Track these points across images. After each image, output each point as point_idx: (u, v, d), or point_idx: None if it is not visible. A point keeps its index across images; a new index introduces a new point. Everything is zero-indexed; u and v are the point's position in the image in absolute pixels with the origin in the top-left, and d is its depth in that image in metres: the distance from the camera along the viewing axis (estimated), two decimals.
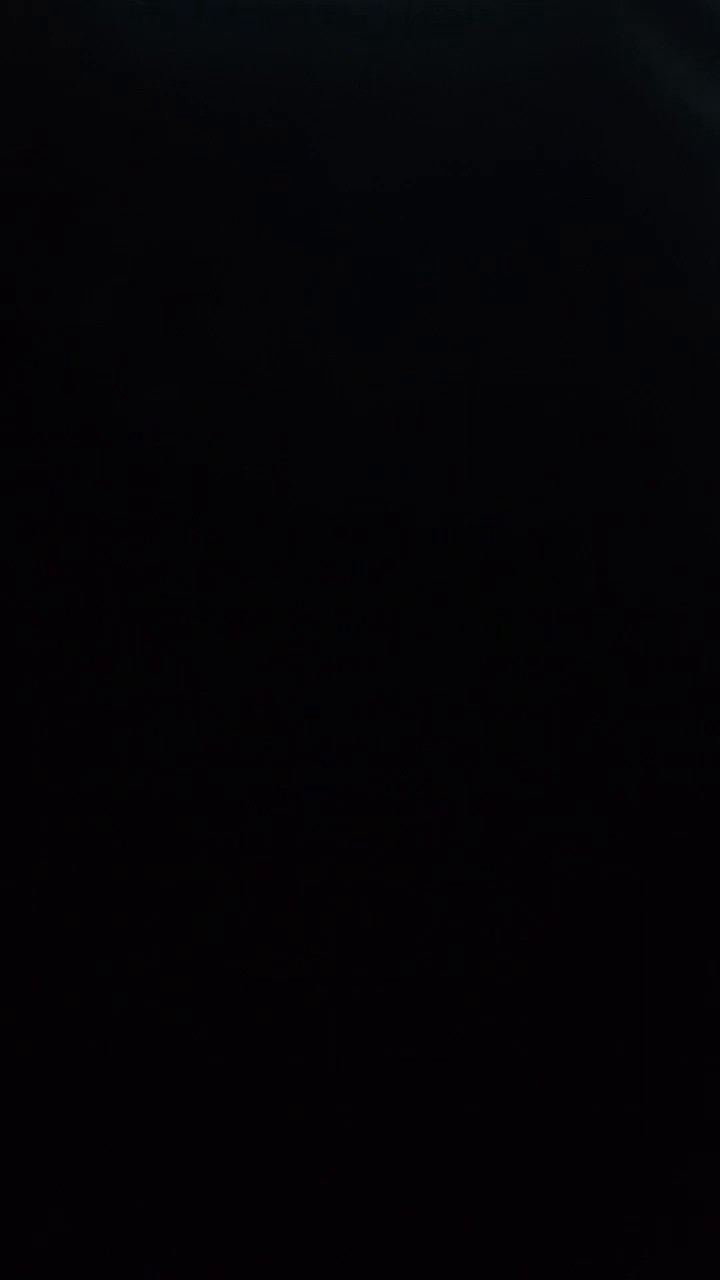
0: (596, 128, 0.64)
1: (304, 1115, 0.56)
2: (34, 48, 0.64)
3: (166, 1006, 0.56)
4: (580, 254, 0.63)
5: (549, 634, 0.59)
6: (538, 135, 0.64)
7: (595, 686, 0.58)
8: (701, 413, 0.62)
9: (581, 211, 0.63)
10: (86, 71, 0.63)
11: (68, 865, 0.57)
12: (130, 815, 0.57)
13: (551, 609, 0.59)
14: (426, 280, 0.62)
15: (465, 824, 0.57)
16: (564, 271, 0.62)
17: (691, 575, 0.60)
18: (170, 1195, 0.55)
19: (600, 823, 0.58)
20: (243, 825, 0.57)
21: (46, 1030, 0.56)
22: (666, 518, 0.61)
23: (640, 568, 0.60)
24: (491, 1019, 0.57)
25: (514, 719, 0.58)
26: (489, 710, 0.58)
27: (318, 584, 0.59)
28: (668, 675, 0.59)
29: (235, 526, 0.59)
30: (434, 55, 0.64)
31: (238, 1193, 0.55)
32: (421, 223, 0.63)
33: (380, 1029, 0.56)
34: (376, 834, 0.57)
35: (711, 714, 0.58)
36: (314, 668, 0.58)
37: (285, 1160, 0.55)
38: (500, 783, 0.58)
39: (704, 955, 0.58)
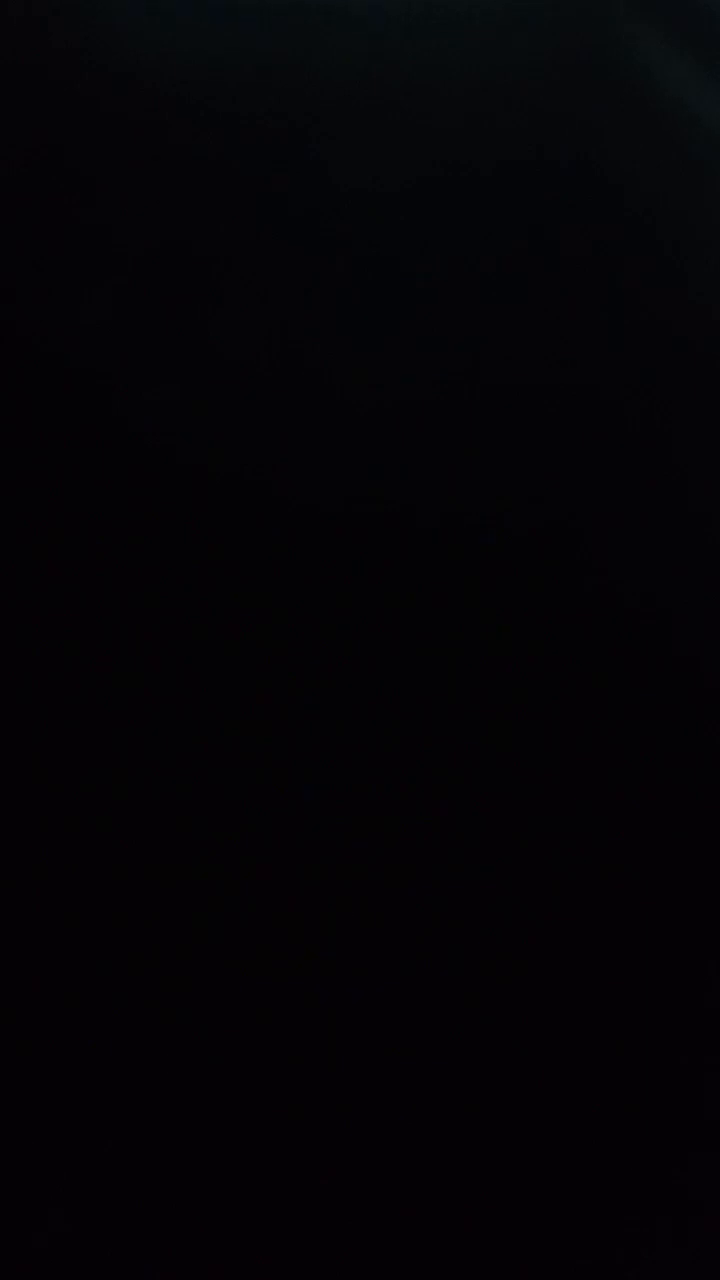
0: (596, 128, 0.64)
1: (304, 1115, 0.56)
2: (34, 48, 0.64)
3: (166, 1006, 0.56)
4: (580, 254, 0.63)
5: (549, 632, 0.59)
6: (538, 135, 0.64)
7: (595, 685, 0.58)
8: (701, 413, 0.62)
9: (581, 211, 0.63)
10: (86, 71, 0.63)
11: (67, 864, 0.57)
12: (130, 814, 0.57)
13: (551, 608, 0.59)
14: (426, 280, 0.62)
15: (465, 823, 0.57)
16: (564, 271, 0.62)
17: (692, 575, 0.60)
18: (170, 1195, 0.55)
19: (600, 821, 0.58)
20: (242, 824, 0.57)
21: (46, 1030, 0.56)
22: (667, 518, 0.61)
23: (640, 567, 0.60)
24: (491, 1019, 0.57)
25: (514, 718, 0.58)
26: (489, 709, 0.58)
27: (318, 583, 0.59)
28: (668, 674, 0.59)
29: (235, 526, 0.59)
30: (434, 55, 0.64)
31: (238, 1193, 0.55)
32: (421, 223, 0.63)
33: (380, 1028, 0.56)
34: (377, 832, 0.57)
35: (712, 713, 0.58)
36: (314, 667, 0.58)
37: (285, 1160, 0.55)
38: (500, 781, 0.58)
39: (704, 955, 0.58)
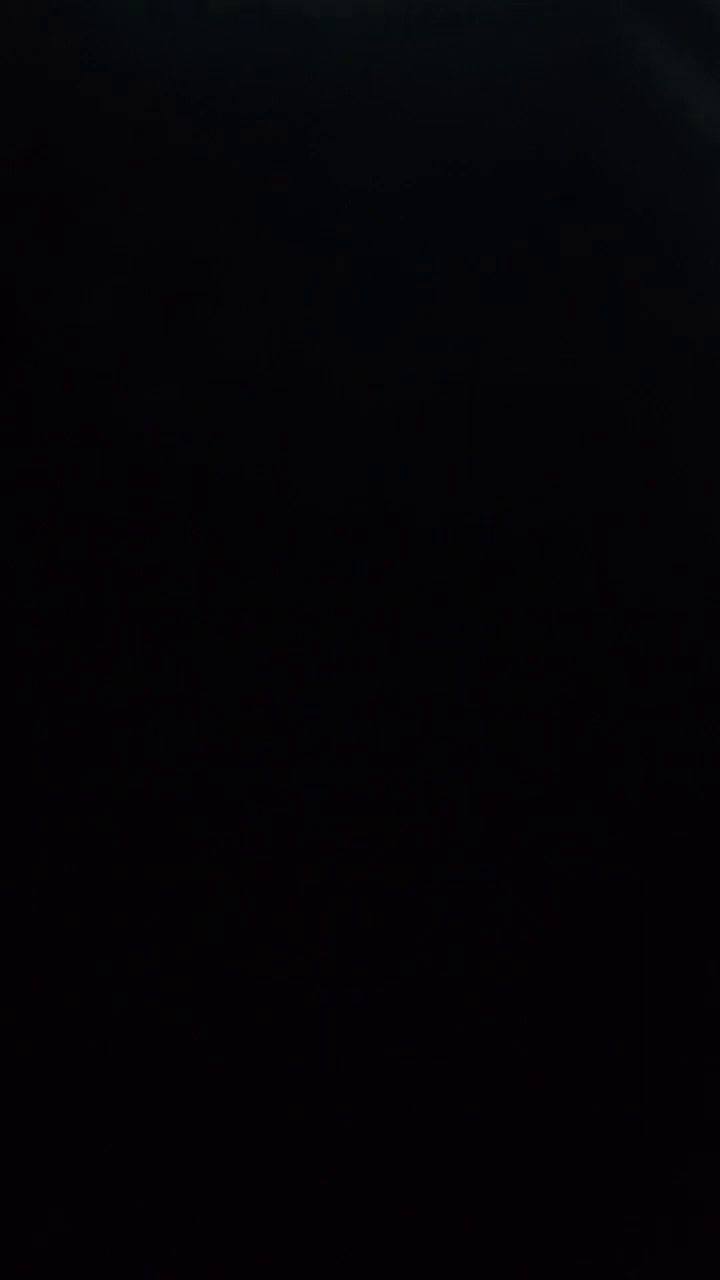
0: (596, 128, 0.65)
1: (304, 1115, 0.56)
2: (34, 47, 0.64)
3: (166, 1006, 0.56)
4: (580, 254, 0.63)
5: (549, 633, 0.59)
6: (538, 135, 0.64)
7: (595, 685, 0.58)
8: (701, 413, 0.62)
9: (581, 211, 0.63)
10: (86, 71, 0.63)
11: (67, 866, 0.57)
12: (129, 815, 0.57)
13: (551, 607, 0.59)
14: (426, 280, 0.62)
15: (465, 823, 0.57)
16: (564, 271, 0.62)
17: (692, 574, 0.60)
18: (170, 1195, 0.55)
19: (600, 822, 0.58)
20: (242, 825, 0.57)
21: (46, 1030, 0.56)
22: (667, 518, 0.61)
23: (641, 566, 0.60)
24: (491, 1019, 0.57)
25: (513, 719, 0.58)
26: (488, 710, 0.58)
27: (317, 583, 0.59)
28: (668, 673, 0.59)
29: (234, 526, 0.59)
30: (433, 55, 0.65)
31: (238, 1193, 0.55)
32: (421, 223, 0.63)
33: (380, 1029, 0.57)
34: (376, 833, 0.57)
35: (712, 714, 0.58)
36: (313, 667, 0.58)
37: (285, 1160, 0.55)
38: (500, 782, 0.58)
39: (704, 955, 0.58)
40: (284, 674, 0.58)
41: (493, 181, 0.63)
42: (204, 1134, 0.55)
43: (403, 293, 0.61)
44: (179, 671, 0.58)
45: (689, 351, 0.62)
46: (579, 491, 0.60)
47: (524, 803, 0.58)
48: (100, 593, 0.58)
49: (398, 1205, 0.56)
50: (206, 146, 0.62)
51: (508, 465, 0.61)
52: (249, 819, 0.57)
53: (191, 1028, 0.56)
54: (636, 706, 0.58)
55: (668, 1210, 0.56)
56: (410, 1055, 0.56)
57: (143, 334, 0.61)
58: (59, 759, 0.57)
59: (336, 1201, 0.55)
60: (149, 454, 0.60)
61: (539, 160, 0.64)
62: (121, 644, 0.58)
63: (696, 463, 0.61)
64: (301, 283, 0.61)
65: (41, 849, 0.57)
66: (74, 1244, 0.54)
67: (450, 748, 0.58)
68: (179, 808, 0.57)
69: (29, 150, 0.62)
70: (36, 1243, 0.54)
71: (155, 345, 0.61)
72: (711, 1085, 0.57)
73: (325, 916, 0.57)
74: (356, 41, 0.64)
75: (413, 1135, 0.56)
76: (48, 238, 0.61)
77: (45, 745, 0.58)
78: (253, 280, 0.62)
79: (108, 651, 0.58)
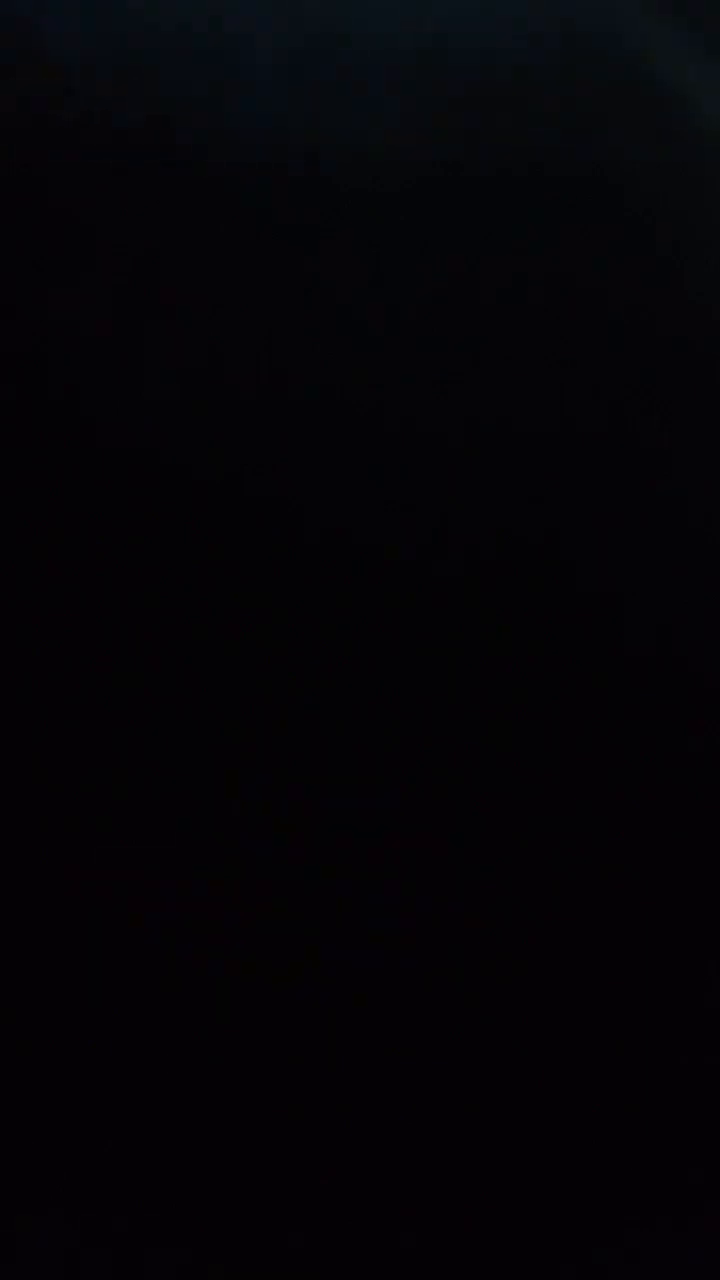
0: (597, 128, 0.64)
1: (304, 1116, 0.56)
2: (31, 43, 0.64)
3: (166, 1007, 0.56)
4: (580, 254, 0.63)
5: (549, 634, 0.59)
6: (538, 135, 0.64)
7: (592, 692, 0.58)
8: (701, 413, 0.62)
9: (581, 211, 0.63)
10: (84, 67, 0.63)
11: (67, 870, 0.57)
12: (129, 818, 0.57)
13: (551, 609, 0.59)
14: (425, 280, 0.62)
15: (464, 833, 0.57)
16: (564, 272, 0.62)
17: (692, 576, 0.60)
18: (170, 1196, 0.55)
19: (599, 828, 0.58)
20: (240, 834, 0.57)
21: (46, 1030, 0.56)
22: (667, 520, 0.61)
23: (641, 565, 0.60)
24: (491, 1020, 0.57)
25: (513, 720, 0.58)
26: (488, 711, 0.59)
27: (316, 590, 0.59)
28: (666, 680, 0.59)
29: (232, 534, 0.59)
30: (434, 56, 0.65)
31: (238, 1193, 0.55)
32: (421, 223, 0.63)
33: (380, 1029, 0.57)
34: (377, 840, 0.57)
35: (712, 724, 0.58)
36: (311, 672, 0.58)
37: (285, 1161, 0.56)
38: (500, 794, 0.58)
39: (704, 955, 0.58)
40: (282, 675, 0.58)
41: (493, 182, 0.63)
42: (204, 1134, 0.56)
43: (401, 293, 0.61)
44: (178, 670, 0.58)
45: (689, 352, 0.62)
46: (578, 490, 0.60)
47: (523, 812, 0.58)
48: (99, 592, 0.58)
49: (398, 1205, 0.56)
50: (205, 148, 0.62)
51: (507, 463, 0.61)
52: (245, 827, 0.57)
53: (191, 1029, 0.56)
54: (635, 715, 0.58)
55: (668, 1210, 0.57)
56: (410, 1056, 0.56)
57: (141, 337, 0.61)
58: (53, 761, 0.57)
59: (337, 1202, 0.55)
60: (147, 455, 0.60)
61: (539, 160, 0.64)
62: (118, 647, 0.58)
63: (697, 462, 0.61)
64: (301, 284, 0.61)
65: (42, 850, 0.57)
66: (74, 1244, 0.55)
67: (450, 754, 0.58)
68: (178, 811, 0.57)
69: (25, 150, 0.62)
70: (36, 1243, 0.54)
71: (154, 348, 0.61)
72: (712, 1085, 0.57)
73: (325, 920, 0.57)
74: (356, 42, 0.64)
75: (412, 1136, 0.56)
76: (44, 239, 0.61)
77: (43, 743, 0.58)
78: (254, 281, 0.62)
79: (105, 653, 0.58)
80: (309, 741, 0.57)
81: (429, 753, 0.58)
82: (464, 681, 0.58)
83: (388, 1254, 0.55)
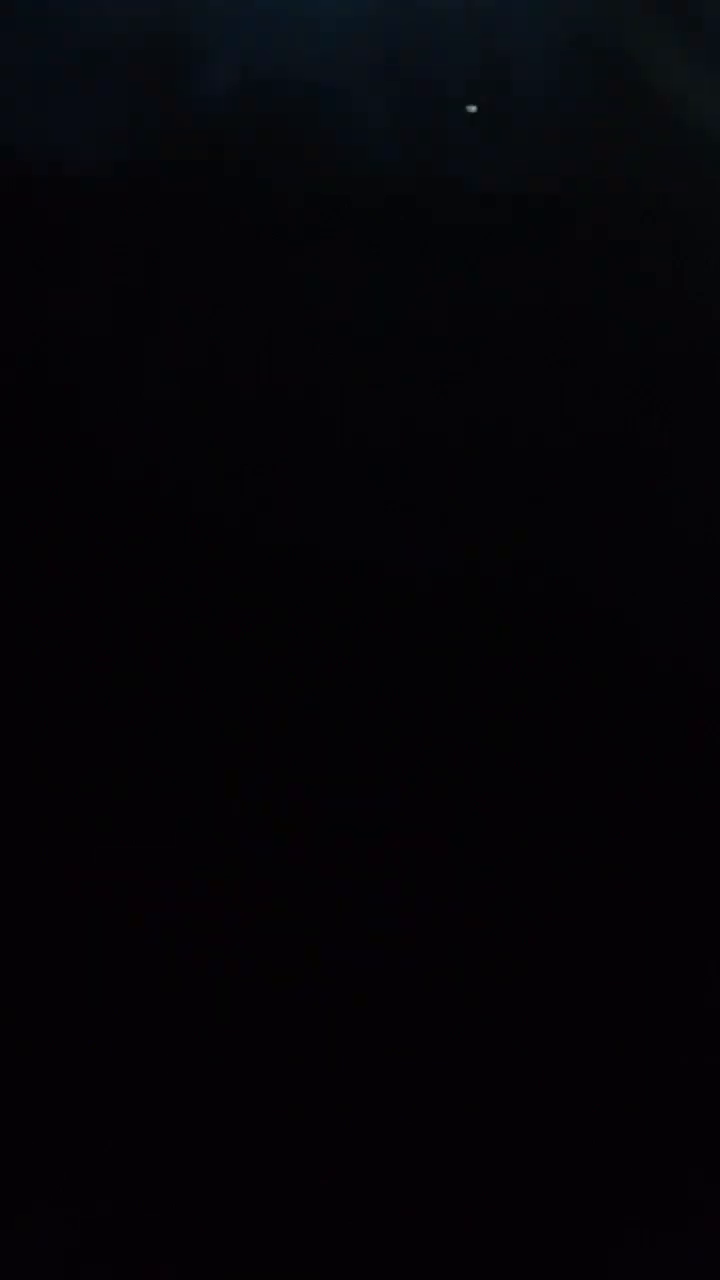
0: (599, 129, 0.64)
1: (304, 1117, 0.56)
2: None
3: (166, 1007, 0.56)
4: (580, 255, 0.63)
5: (548, 633, 0.59)
6: (538, 135, 0.64)
7: (594, 689, 0.58)
8: (701, 413, 0.62)
9: (582, 212, 0.63)
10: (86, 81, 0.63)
11: (67, 870, 0.57)
12: (127, 823, 0.57)
13: (551, 607, 0.59)
14: (425, 282, 0.62)
15: (463, 834, 0.57)
16: (564, 272, 0.62)
17: (691, 573, 0.60)
18: (170, 1196, 0.55)
19: (597, 827, 0.58)
20: (240, 834, 0.57)
21: (47, 1030, 0.56)
22: (666, 519, 0.60)
23: (640, 566, 0.60)
24: (491, 1022, 0.57)
25: (511, 718, 0.58)
26: (486, 709, 0.58)
27: (316, 589, 0.59)
28: (666, 677, 0.59)
29: (232, 535, 0.59)
30: (436, 57, 0.64)
31: (238, 1193, 0.55)
32: (421, 224, 0.63)
33: (380, 1029, 0.56)
34: (377, 840, 0.57)
35: (711, 723, 0.58)
36: (311, 672, 0.58)
37: (285, 1161, 0.55)
38: (499, 792, 0.58)
39: (704, 956, 0.58)
40: (282, 676, 0.58)
41: (493, 182, 0.63)
42: (203, 1134, 0.55)
43: (403, 293, 0.61)
44: (178, 671, 0.58)
45: (689, 353, 0.62)
46: (578, 491, 0.60)
47: (518, 810, 0.58)
48: (100, 595, 0.58)
49: (398, 1205, 0.55)
50: (206, 153, 0.62)
51: (507, 461, 0.61)
52: (248, 824, 0.57)
53: (191, 1029, 0.56)
54: (635, 713, 0.58)
55: (668, 1210, 0.56)
56: (411, 1056, 0.56)
57: (141, 342, 0.61)
58: (54, 765, 0.57)
59: (337, 1202, 0.55)
60: (147, 456, 0.60)
61: (540, 161, 0.63)
62: (120, 645, 0.58)
63: (697, 461, 0.61)
64: (300, 285, 0.61)
65: (42, 850, 0.57)
66: (74, 1244, 0.54)
67: (449, 753, 0.58)
68: (178, 812, 0.57)
69: (28, 154, 0.62)
70: (37, 1243, 0.54)
71: (153, 353, 0.61)
72: (712, 1085, 0.57)
73: (326, 917, 0.57)
74: (355, 44, 0.64)
75: (412, 1137, 0.56)
76: (45, 249, 0.61)
77: (42, 746, 0.58)
78: (254, 282, 0.62)
79: (104, 656, 0.58)
80: (308, 742, 0.57)
81: (429, 753, 0.58)
82: (463, 680, 0.58)
83: (388, 1254, 0.55)
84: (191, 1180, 0.55)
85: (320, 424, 0.61)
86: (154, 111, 0.64)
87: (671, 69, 0.65)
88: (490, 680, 0.59)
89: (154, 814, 0.58)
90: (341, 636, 0.59)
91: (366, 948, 0.57)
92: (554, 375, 0.62)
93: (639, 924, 0.58)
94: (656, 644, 0.59)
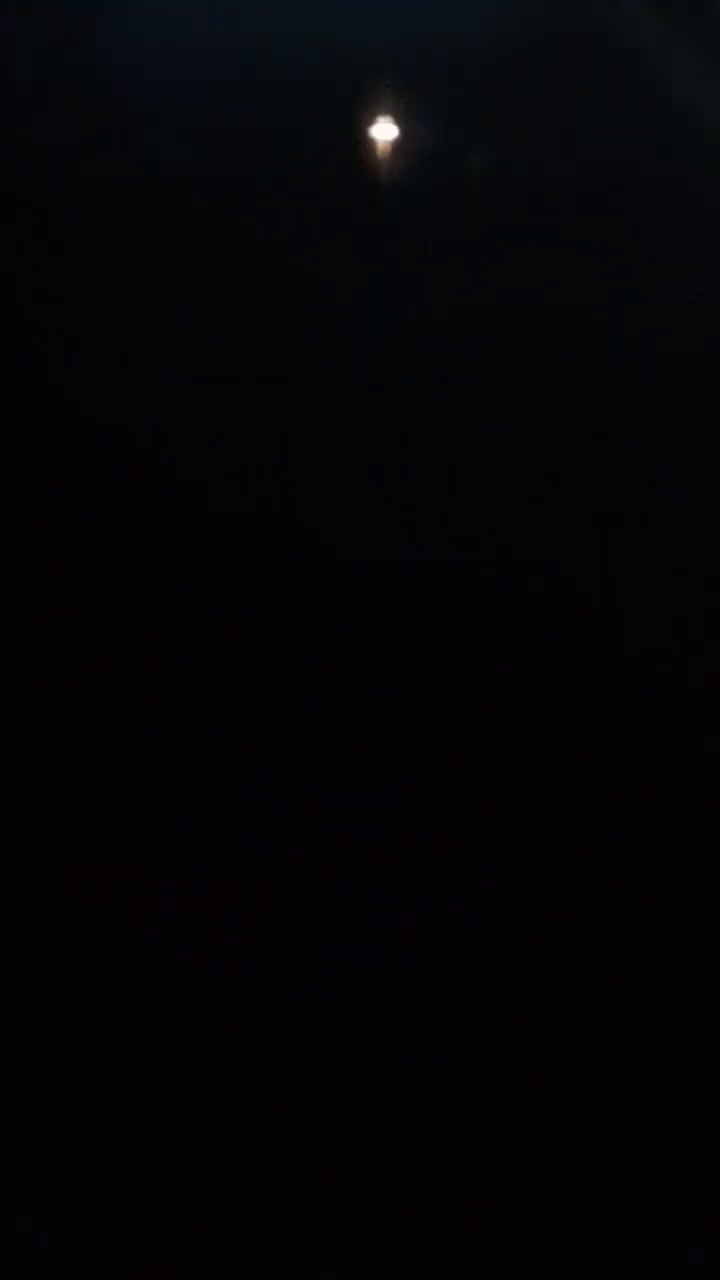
0: (599, 129, 0.65)
1: (304, 1116, 0.56)
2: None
3: (166, 1008, 0.56)
4: (581, 255, 0.63)
5: (546, 633, 0.59)
6: (538, 135, 0.64)
7: (592, 691, 0.58)
8: (700, 414, 0.62)
9: (582, 211, 0.63)
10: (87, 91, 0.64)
11: (67, 870, 0.57)
12: (127, 823, 0.57)
13: (549, 608, 0.59)
14: (425, 283, 0.62)
15: (463, 836, 0.58)
16: (564, 272, 0.62)
17: (689, 573, 0.60)
18: (170, 1196, 0.55)
19: (595, 828, 0.58)
20: (240, 834, 0.58)
21: (47, 1031, 0.56)
22: (665, 519, 0.61)
23: (638, 566, 0.60)
24: (491, 1022, 0.57)
25: (510, 719, 0.58)
26: (485, 710, 0.59)
27: (316, 590, 0.59)
28: (663, 678, 0.59)
29: (232, 535, 0.59)
30: (434, 56, 0.65)
31: (238, 1193, 0.55)
32: (422, 224, 0.63)
33: (380, 1029, 0.57)
34: (375, 849, 0.58)
35: (710, 725, 0.58)
36: (310, 672, 0.58)
37: (285, 1160, 0.56)
38: (497, 794, 0.58)
39: (704, 956, 0.58)
40: (282, 676, 0.58)
41: (493, 182, 0.63)
42: (203, 1134, 0.56)
43: (401, 296, 0.62)
44: (179, 670, 0.58)
45: (688, 351, 0.62)
46: (577, 491, 0.60)
47: (516, 812, 0.58)
48: (99, 597, 0.59)
49: (398, 1205, 0.56)
50: (206, 158, 0.63)
51: (506, 460, 0.61)
52: (248, 825, 0.57)
53: (191, 1030, 0.56)
54: (633, 715, 0.58)
55: (668, 1210, 0.56)
56: (410, 1056, 0.56)
57: (140, 342, 0.61)
58: (54, 766, 0.58)
59: (337, 1202, 0.55)
60: (146, 456, 0.60)
61: (540, 161, 0.64)
62: (120, 645, 0.58)
63: (696, 461, 0.61)
64: (301, 285, 0.61)
65: (42, 850, 0.58)
66: (75, 1244, 0.55)
67: (448, 755, 0.58)
68: (178, 812, 0.57)
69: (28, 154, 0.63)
70: (37, 1243, 0.54)
71: (152, 352, 0.61)
72: (712, 1086, 0.57)
73: (326, 917, 0.57)
74: (355, 45, 0.64)
75: (412, 1137, 0.56)
76: (44, 248, 0.62)
77: (42, 742, 0.58)
78: (252, 287, 0.62)
79: (105, 652, 0.58)
80: (307, 740, 0.57)
81: (428, 754, 0.58)
82: (462, 681, 0.58)
83: (388, 1254, 0.55)
84: (192, 1180, 0.55)
85: (318, 422, 0.61)
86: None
87: (676, 64, 0.65)
88: (489, 680, 0.59)
89: (153, 812, 0.58)
90: (340, 636, 0.59)
91: (365, 947, 0.57)
92: (553, 374, 0.62)
93: (638, 923, 0.58)
94: (656, 644, 0.59)
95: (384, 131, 0.64)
